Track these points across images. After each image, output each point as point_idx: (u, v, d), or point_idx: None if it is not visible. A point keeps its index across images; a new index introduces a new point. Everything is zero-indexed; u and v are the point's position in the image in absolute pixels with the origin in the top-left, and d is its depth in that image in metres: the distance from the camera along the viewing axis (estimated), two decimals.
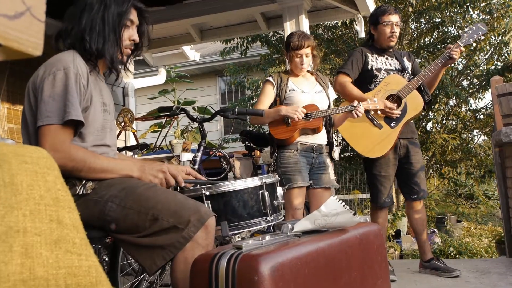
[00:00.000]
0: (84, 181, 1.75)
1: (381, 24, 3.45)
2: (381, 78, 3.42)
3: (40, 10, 0.73)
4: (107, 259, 2.70)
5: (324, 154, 3.15)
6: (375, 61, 3.46)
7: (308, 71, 3.24)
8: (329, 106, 3.18)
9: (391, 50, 3.55)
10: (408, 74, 3.47)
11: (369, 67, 3.44)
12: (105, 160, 1.78)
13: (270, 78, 3.18)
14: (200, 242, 1.61)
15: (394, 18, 3.45)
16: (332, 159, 3.21)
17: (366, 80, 3.45)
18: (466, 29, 3.55)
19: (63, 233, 1.03)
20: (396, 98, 3.35)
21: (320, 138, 3.13)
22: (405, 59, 3.55)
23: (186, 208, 1.65)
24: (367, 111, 3.21)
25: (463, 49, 3.33)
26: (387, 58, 3.50)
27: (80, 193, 1.73)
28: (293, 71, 3.21)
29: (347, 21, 7.41)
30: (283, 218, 2.13)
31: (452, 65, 3.36)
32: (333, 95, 3.28)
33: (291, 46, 3.10)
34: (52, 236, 0.93)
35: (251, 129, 8.03)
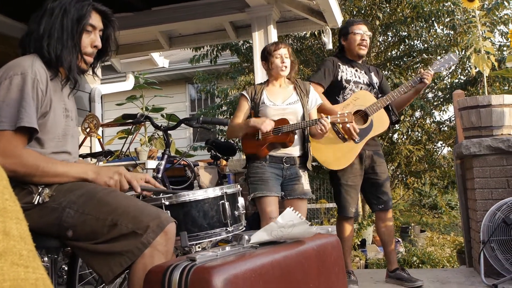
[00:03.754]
0: (41, 188, 1.72)
1: (351, 33, 3.52)
2: (350, 90, 3.46)
3: None
4: (66, 268, 2.64)
5: (297, 166, 3.13)
6: (345, 72, 3.50)
7: (288, 78, 3.22)
8: (304, 115, 3.15)
9: (361, 62, 3.61)
10: (375, 90, 3.53)
11: (339, 77, 3.48)
12: (59, 164, 1.75)
13: (244, 93, 3.19)
14: (159, 249, 1.59)
15: (364, 28, 3.53)
16: (306, 169, 3.19)
17: (334, 90, 3.48)
18: (438, 58, 3.71)
19: (10, 245, 1.00)
20: (363, 114, 3.40)
21: (292, 150, 3.11)
22: (373, 74, 3.61)
23: (146, 213, 1.62)
24: (333, 124, 3.24)
25: (432, 74, 3.42)
26: (356, 70, 3.54)
27: (36, 202, 1.70)
28: (272, 79, 3.19)
29: (316, 32, 7.49)
30: (244, 228, 2.12)
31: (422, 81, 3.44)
32: (314, 101, 3.23)
33: (267, 51, 3.14)
34: None
35: (217, 138, 8.01)
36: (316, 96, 3.25)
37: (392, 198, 3.64)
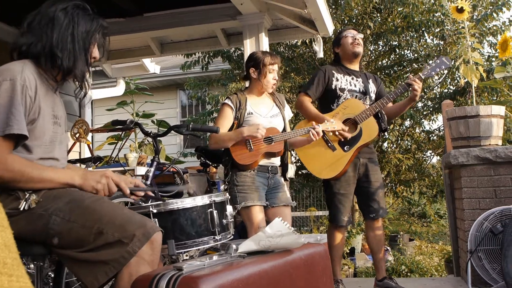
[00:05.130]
0: (28, 194, 1.71)
1: (343, 37, 3.55)
2: (345, 99, 3.45)
3: None
4: (52, 275, 2.61)
5: (278, 175, 3.16)
6: (340, 81, 3.49)
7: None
8: (284, 128, 3.17)
9: (358, 69, 3.61)
10: (370, 98, 3.52)
11: (333, 87, 3.47)
12: (45, 170, 1.74)
13: (228, 101, 3.08)
14: (145, 258, 1.58)
15: (354, 31, 3.58)
16: (285, 179, 3.22)
17: (329, 99, 3.49)
18: (430, 61, 3.62)
19: None
20: (353, 122, 3.40)
21: (274, 159, 3.12)
22: (371, 81, 3.60)
23: (132, 222, 1.62)
24: (323, 132, 3.26)
25: (422, 79, 3.38)
26: (352, 78, 3.53)
27: (22, 208, 1.68)
28: (255, 90, 3.16)
29: (307, 41, 7.53)
30: (232, 237, 2.12)
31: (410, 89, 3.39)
32: (289, 115, 3.29)
33: (264, 62, 3.06)
34: None
35: (207, 145, 7.99)
36: (288, 110, 3.31)
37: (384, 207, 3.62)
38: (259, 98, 3.18)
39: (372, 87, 3.58)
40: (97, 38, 1.90)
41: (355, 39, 3.52)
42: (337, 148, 3.36)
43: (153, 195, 2.02)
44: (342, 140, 3.33)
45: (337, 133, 3.24)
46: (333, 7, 7.63)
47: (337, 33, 3.73)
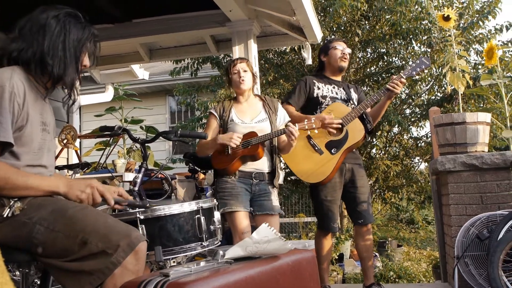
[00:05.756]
0: (13, 201, 1.69)
1: (331, 48, 3.57)
2: (326, 105, 3.49)
3: None
4: (38, 282, 2.59)
5: (265, 182, 3.14)
6: (321, 89, 3.54)
7: (256, 95, 3.28)
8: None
9: (340, 80, 3.64)
10: (353, 105, 3.56)
11: (315, 95, 3.52)
12: (30, 177, 1.72)
13: (212, 111, 3.22)
14: (129, 268, 1.58)
15: (343, 44, 3.62)
16: (274, 186, 3.19)
17: (311, 107, 3.52)
18: (410, 62, 3.70)
19: None
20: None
21: (261, 165, 3.11)
22: (352, 90, 3.65)
23: (116, 232, 1.61)
24: (309, 137, 3.27)
25: (404, 80, 3.44)
26: (334, 87, 3.58)
27: (5, 215, 1.67)
28: (239, 96, 3.22)
29: (296, 47, 7.57)
30: (219, 243, 2.12)
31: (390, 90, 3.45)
32: (283, 118, 3.26)
33: (227, 70, 3.22)
34: None
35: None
36: (284, 113, 3.29)
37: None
38: (246, 104, 3.21)
39: (353, 95, 3.62)
40: (88, 47, 1.90)
41: (343, 53, 3.55)
42: (324, 151, 3.38)
43: (139, 203, 2.01)
44: (334, 132, 3.34)
45: (326, 123, 3.22)
46: (321, 14, 7.68)
47: (325, 40, 3.75)
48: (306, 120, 3.01)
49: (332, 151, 3.37)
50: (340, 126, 3.33)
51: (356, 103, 3.61)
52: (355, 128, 3.43)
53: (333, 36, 7.88)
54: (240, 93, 3.21)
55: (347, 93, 3.59)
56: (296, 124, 3.00)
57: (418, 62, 3.55)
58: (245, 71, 3.15)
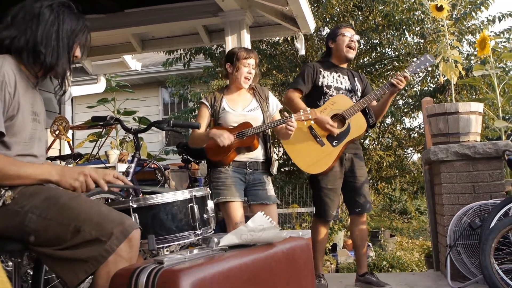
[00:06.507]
0: (4, 190, 1.68)
1: (340, 35, 3.53)
2: (330, 96, 3.47)
3: None
4: (31, 272, 2.58)
5: (260, 171, 3.12)
6: (326, 78, 3.51)
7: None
8: (264, 121, 3.15)
9: (345, 68, 3.62)
10: (356, 96, 3.55)
11: (320, 83, 3.49)
12: (22, 166, 1.71)
13: (203, 100, 3.18)
14: (123, 256, 1.58)
15: (352, 31, 3.58)
16: (270, 174, 3.19)
17: (315, 96, 3.50)
18: (414, 59, 3.68)
19: None
20: (340, 118, 3.42)
21: (255, 154, 3.10)
22: (356, 80, 3.62)
23: (110, 220, 1.61)
24: (311, 128, 3.27)
25: (408, 76, 3.40)
26: (339, 76, 3.54)
27: None
28: (232, 86, 3.18)
29: (289, 38, 7.54)
30: (213, 231, 2.12)
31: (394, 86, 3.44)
32: (275, 106, 3.25)
33: (238, 56, 3.08)
34: None
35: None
36: (276, 101, 3.28)
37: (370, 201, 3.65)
38: (237, 94, 3.18)
39: (358, 86, 3.60)
40: (81, 38, 1.90)
41: (351, 41, 3.52)
42: (325, 143, 3.37)
43: (131, 189, 2.00)
44: (334, 135, 3.35)
45: (327, 126, 3.29)
46: (314, 5, 7.65)
47: (334, 27, 3.71)
48: (301, 111, 3.02)
49: (334, 143, 3.36)
50: (336, 133, 3.34)
51: (359, 94, 3.58)
52: (358, 122, 3.42)
53: (326, 28, 7.88)
54: (239, 86, 3.16)
55: (351, 82, 3.55)
56: (293, 115, 3.00)
57: (422, 59, 3.52)
58: (253, 68, 3.13)
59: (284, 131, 3.06)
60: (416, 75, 8.24)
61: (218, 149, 2.97)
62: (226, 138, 2.91)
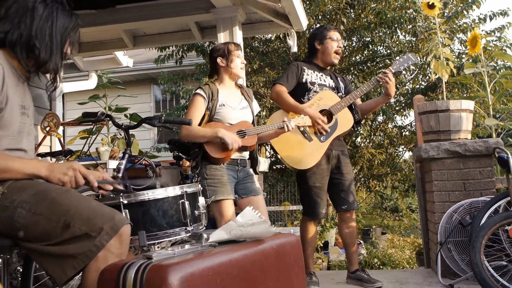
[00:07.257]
0: None
1: (328, 38, 3.54)
2: (315, 92, 3.49)
3: None
4: (21, 269, 2.56)
5: (247, 167, 3.16)
6: (310, 76, 3.53)
7: (235, 83, 3.25)
8: (253, 121, 3.17)
9: (327, 69, 3.64)
10: (340, 94, 3.57)
11: (304, 80, 3.50)
12: (10, 160, 1.69)
13: (200, 91, 3.04)
14: (113, 251, 1.56)
15: (339, 35, 3.62)
16: (256, 173, 3.22)
17: (299, 92, 3.51)
18: (397, 58, 3.75)
19: None
20: (327, 113, 3.43)
21: (244, 152, 3.12)
22: (339, 79, 3.67)
23: (100, 215, 1.59)
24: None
25: (390, 74, 3.43)
26: (322, 75, 3.58)
27: None
28: (225, 81, 3.15)
29: (281, 35, 7.54)
30: (204, 228, 2.11)
31: (381, 83, 3.48)
32: (257, 109, 3.31)
33: (229, 49, 3.11)
34: None
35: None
36: (257, 106, 3.37)
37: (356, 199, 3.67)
38: (229, 90, 3.16)
39: (341, 84, 3.64)
40: (72, 36, 1.91)
41: (339, 47, 3.57)
42: (313, 138, 3.39)
43: (121, 188, 1.98)
44: (324, 133, 3.36)
45: (318, 122, 3.34)
46: (307, 2, 7.65)
47: (320, 27, 3.72)
48: (303, 116, 3.11)
49: (321, 138, 3.38)
50: (326, 131, 3.37)
51: (343, 92, 3.61)
52: (345, 117, 3.45)
53: (319, 25, 7.88)
54: (233, 78, 3.18)
55: (334, 81, 3.60)
56: (292, 120, 3.05)
57: (405, 58, 3.60)
58: (243, 62, 3.18)
59: (274, 134, 3.12)
60: (408, 72, 8.27)
61: (220, 146, 2.94)
62: (236, 142, 2.89)
